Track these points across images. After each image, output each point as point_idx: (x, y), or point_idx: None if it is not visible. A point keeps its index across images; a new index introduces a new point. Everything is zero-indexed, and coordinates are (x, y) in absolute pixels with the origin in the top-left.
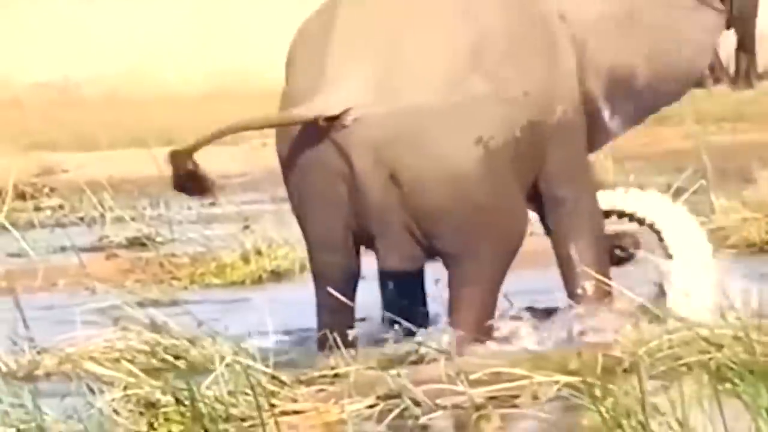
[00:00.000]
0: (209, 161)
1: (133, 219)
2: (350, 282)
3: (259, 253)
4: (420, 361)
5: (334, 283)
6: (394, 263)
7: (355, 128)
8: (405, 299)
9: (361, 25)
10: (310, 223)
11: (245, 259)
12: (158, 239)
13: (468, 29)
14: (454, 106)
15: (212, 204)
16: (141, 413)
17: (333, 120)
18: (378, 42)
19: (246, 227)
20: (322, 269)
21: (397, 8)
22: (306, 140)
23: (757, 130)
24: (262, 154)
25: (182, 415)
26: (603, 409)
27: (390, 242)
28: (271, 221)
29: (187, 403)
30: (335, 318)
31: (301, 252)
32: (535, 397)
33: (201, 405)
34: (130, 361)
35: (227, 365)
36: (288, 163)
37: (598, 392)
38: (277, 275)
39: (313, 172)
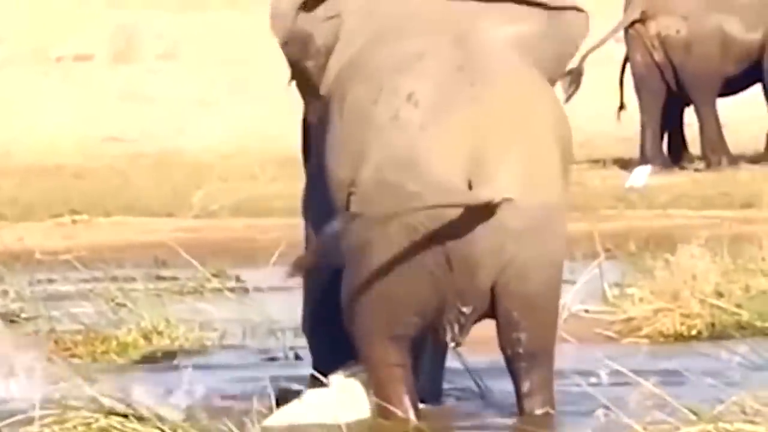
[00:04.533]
0: (29, 237)
1: None
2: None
3: (159, 332)
4: None
5: (407, 339)
6: (461, 341)
7: (501, 215)
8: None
9: (500, 114)
10: (395, 284)
11: (146, 338)
12: (23, 315)
13: (558, 132)
14: (561, 205)
15: (50, 281)
16: None
17: (490, 207)
18: (519, 136)
19: (120, 305)
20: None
21: (518, 103)
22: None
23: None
24: (76, 231)
25: None
26: None
27: (469, 321)
28: (139, 300)
29: None
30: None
31: (199, 332)
32: None
33: None
34: None
35: None
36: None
37: None
38: (174, 354)
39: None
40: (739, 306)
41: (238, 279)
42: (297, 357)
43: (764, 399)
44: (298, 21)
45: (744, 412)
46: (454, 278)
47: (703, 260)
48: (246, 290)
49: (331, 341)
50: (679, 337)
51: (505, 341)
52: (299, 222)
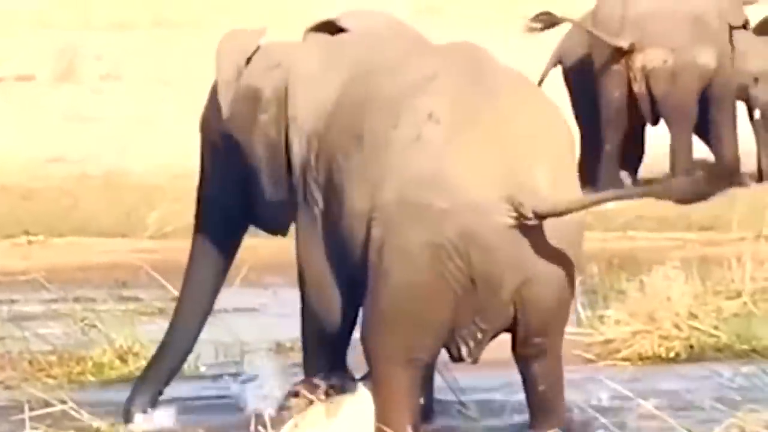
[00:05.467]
0: None
1: None
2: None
3: (135, 353)
4: None
5: (422, 365)
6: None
7: (525, 229)
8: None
9: (523, 124)
10: (416, 305)
11: (122, 359)
12: None
13: (570, 144)
14: (582, 216)
15: (13, 302)
16: None
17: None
18: (544, 146)
19: (90, 326)
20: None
21: (536, 114)
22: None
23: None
24: (32, 251)
25: None
26: None
27: (487, 337)
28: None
29: None
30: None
31: None
32: None
33: None
34: None
35: None
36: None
37: None
38: None
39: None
40: (716, 328)
41: None
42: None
43: (763, 421)
44: (241, 81)
45: None
46: (477, 296)
47: (677, 282)
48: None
49: (333, 360)
50: (657, 359)
51: (523, 351)
52: (257, 243)
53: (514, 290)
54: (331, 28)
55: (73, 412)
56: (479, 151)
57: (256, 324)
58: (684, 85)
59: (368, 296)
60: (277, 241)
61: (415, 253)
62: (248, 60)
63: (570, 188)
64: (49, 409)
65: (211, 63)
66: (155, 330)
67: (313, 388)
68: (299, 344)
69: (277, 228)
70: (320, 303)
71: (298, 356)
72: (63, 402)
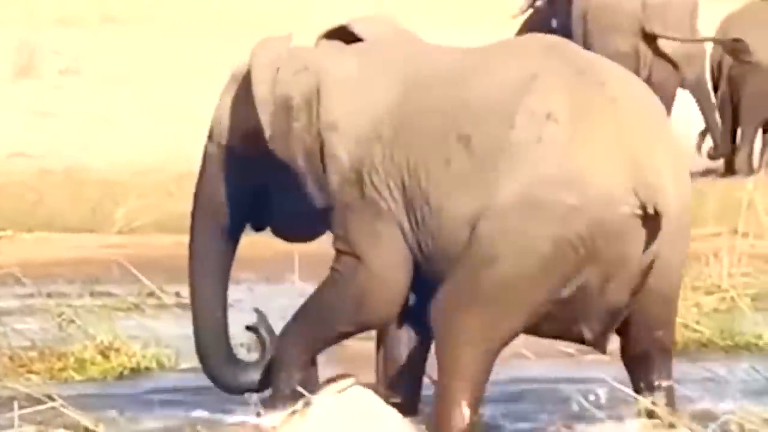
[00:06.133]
0: None
1: None
2: None
3: (116, 349)
4: None
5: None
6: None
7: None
8: None
9: (638, 114)
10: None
11: (104, 355)
12: None
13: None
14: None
15: None
16: None
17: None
18: (659, 135)
19: (71, 321)
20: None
21: (646, 101)
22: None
23: None
24: (1, 246)
25: None
26: None
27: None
28: (83, 316)
29: None
30: None
31: (155, 348)
32: None
33: None
34: None
35: None
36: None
37: None
38: (137, 372)
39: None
40: (698, 323)
41: (178, 295)
42: None
43: (758, 416)
44: (276, 91)
45: (743, 429)
46: (607, 288)
47: None
48: (187, 306)
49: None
50: None
51: (639, 340)
52: None
53: (638, 279)
54: (344, 34)
55: (64, 410)
56: (602, 146)
57: (233, 320)
58: None
59: (462, 281)
60: (249, 236)
61: (533, 244)
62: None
63: (686, 180)
64: (39, 407)
65: (163, 59)
66: (132, 326)
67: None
68: None
69: (305, 235)
70: (380, 298)
71: None
72: (50, 398)
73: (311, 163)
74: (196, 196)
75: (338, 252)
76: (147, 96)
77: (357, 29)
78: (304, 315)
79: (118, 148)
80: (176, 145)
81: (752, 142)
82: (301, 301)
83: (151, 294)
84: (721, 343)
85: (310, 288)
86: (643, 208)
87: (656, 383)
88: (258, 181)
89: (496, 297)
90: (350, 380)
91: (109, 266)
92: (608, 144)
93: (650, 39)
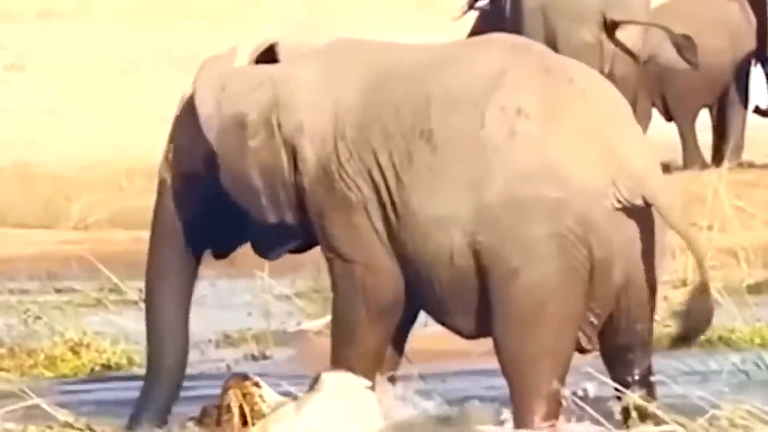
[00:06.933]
0: None
1: None
2: None
3: (86, 345)
4: None
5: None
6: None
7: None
8: None
9: (606, 107)
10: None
11: (74, 351)
12: None
13: None
14: None
15: None
16: None
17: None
18: (629, 127)
19: (37, 318)
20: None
21: (612, 95)
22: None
23: None
24: None
25: None
26: None
27: (599, 324)
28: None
29: None
30: None
31: (125, 344)
32: None
33: None
34: None
35: None
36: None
37: None
38: (108, 368)
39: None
40: (671, 317)
41: (141, 291)
42: (228, 368)
43: (744, 410)
44: (223, 110)
45: (734, 425)
46: (594, 281)
47: None
48: None
49: None
50: None
51: (620, 333)
52: None
53: (623, 274)
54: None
55: (44, 407)
56: (576, 139)
57: (200, 316)
58: None
59: (496, 301)
60: None
61: (541, 247)
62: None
63: (655, 165)
64: (21, 404)
65: (104, 53)
66: (97, 322)
67: (243, 381)
68: (247, 335)
69: (276, 250)
70: (379, 285)
71: (247, 348)
72: (23, 393)
73: (267, 178)
74: (154, 223)
75: (329, 260)
76: (92, 90)
77: (281, 50)
78: (334, 336)
79: (65, 142)
80: (122, 140)
81: (692, 137)
82: (265, 296)
83: (112, 290)
84: None
85: (275, 284)
86: (626, 200)
87: (638, 378)
88: (212, 203)
89: (537, 310)
90: (365, 382)
91: (67, 262)
92: (582, 138)
93: (611, 30)
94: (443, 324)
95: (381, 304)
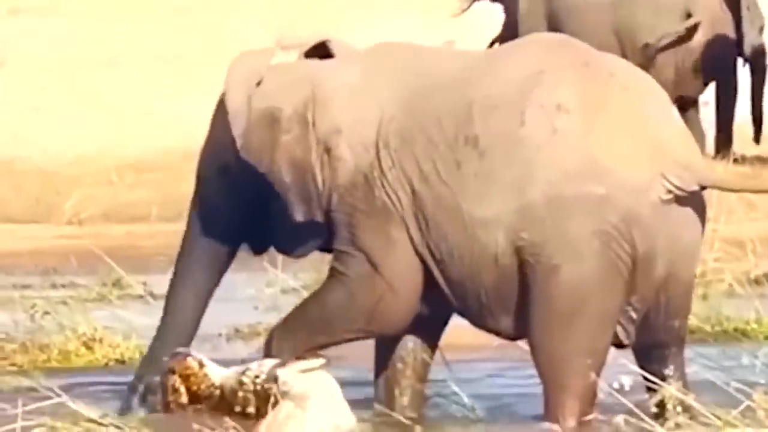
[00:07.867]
0: None
1: None
2: None
3: (99, 340)
4: None
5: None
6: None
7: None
8: None
9: (650, 99)
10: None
11: (87, 347)
12: None
13: None
14: None
15: None
16: None
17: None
18: (672, 119)
19: (45, 313)
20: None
21: (652, 86)
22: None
23: None
24: None
25: None
26: None
27: (639, 317)
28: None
29: None
30: None
31: (137, 339)
32: None
33: None
34: None
35: None
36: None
37: None
38: (122, 363)
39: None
40: None
41: (145, 285)
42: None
43: None
44: (254, 104)
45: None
46: (635, 275)
47: None
48: (154, 296)
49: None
50: None
51: (656, 329)
52: (177, 228)
53: (665, 267)
54: (322, 51)
55: (70, 404)
56: (620, 133)
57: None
58: None
59: (536, 298)
60: None
61: (583, 244)
62: (258, 83)
63: (699, 156)
64: (46, 402)
65: (78, 48)
66: (104, 317)
67: (185, 360)
68: (259, 328)
69: (301, 249)
70: (394, 307)
71: (258, 341)
72: (49, 390)
73: (297, 175)
74: (190, 216)
75: (344, 253)
76: (73, 85)
77: (334, 47)
78: (302, 315)
79: (50, 138)
80: (107, 135)
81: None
82: (268, 291)
83: (114, 284)
84: (709, 330)
85: (284, 277)
86: (678, 190)
87: (671, 373)
88: (248, 198)
89: (576, 307)
90: (319, 361)
91: (66, 257)
92: (626, 131)
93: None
94: (484, 327)
95: (385, 327)
